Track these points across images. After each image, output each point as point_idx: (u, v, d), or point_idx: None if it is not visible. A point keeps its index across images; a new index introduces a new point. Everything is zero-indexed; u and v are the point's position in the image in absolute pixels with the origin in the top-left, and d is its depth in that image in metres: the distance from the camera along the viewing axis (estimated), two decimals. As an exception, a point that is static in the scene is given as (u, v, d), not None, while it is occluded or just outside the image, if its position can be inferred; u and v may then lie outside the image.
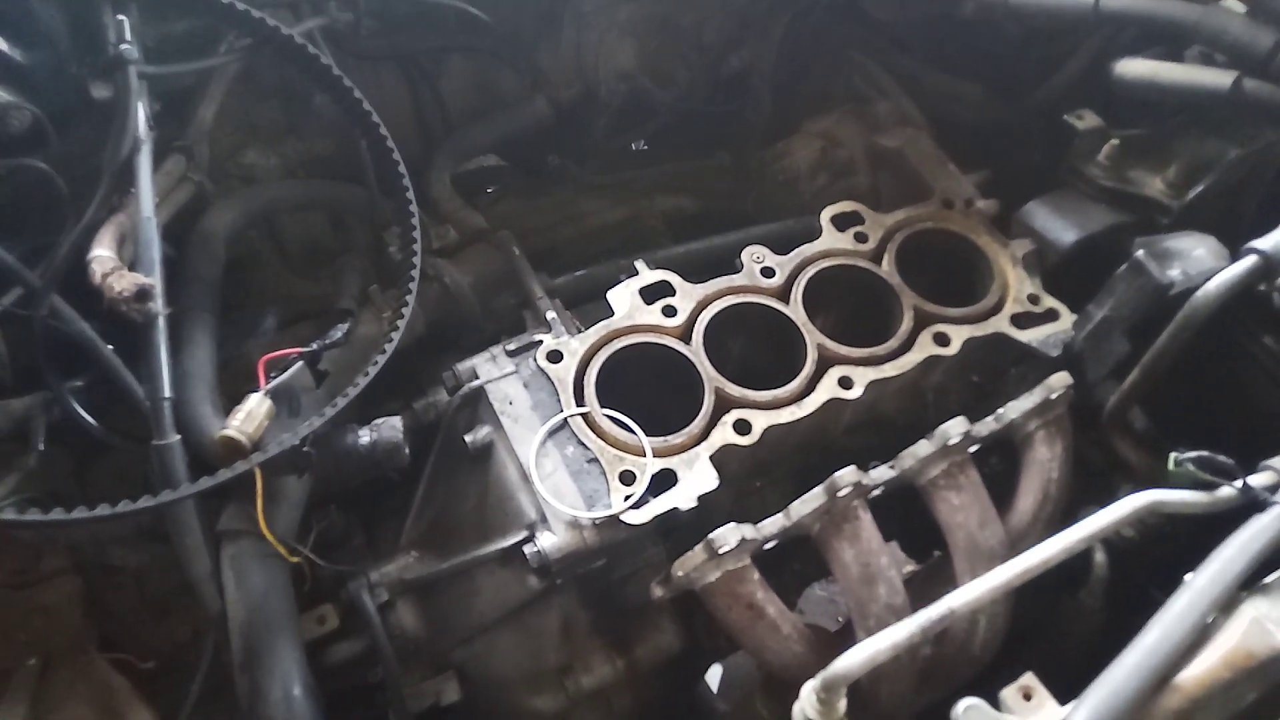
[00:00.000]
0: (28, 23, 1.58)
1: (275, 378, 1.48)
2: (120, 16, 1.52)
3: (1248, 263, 1.41)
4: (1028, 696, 1.06)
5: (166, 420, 1.35)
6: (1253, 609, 1.08)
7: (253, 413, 1.38)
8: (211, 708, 1.47)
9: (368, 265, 1.91)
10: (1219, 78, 1.64)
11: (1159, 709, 1.02)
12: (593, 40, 2.29)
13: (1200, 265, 1.58)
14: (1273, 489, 1.23)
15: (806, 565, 1.77)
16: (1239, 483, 1.26)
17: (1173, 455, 1.31)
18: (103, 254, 1.36)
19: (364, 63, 2.00)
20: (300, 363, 1.53)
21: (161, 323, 1.37)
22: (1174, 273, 1.57)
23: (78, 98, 1.62)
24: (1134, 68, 1.76)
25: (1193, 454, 1.30)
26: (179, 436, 1.35)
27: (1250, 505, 1.23)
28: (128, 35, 1.51)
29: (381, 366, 1.50)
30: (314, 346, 1.57)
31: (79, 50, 1.62)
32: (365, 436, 1.49)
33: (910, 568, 1.92)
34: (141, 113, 1.49)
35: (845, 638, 1.48)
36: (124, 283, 1.31)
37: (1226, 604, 1.09)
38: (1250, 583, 1.12)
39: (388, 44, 2.05)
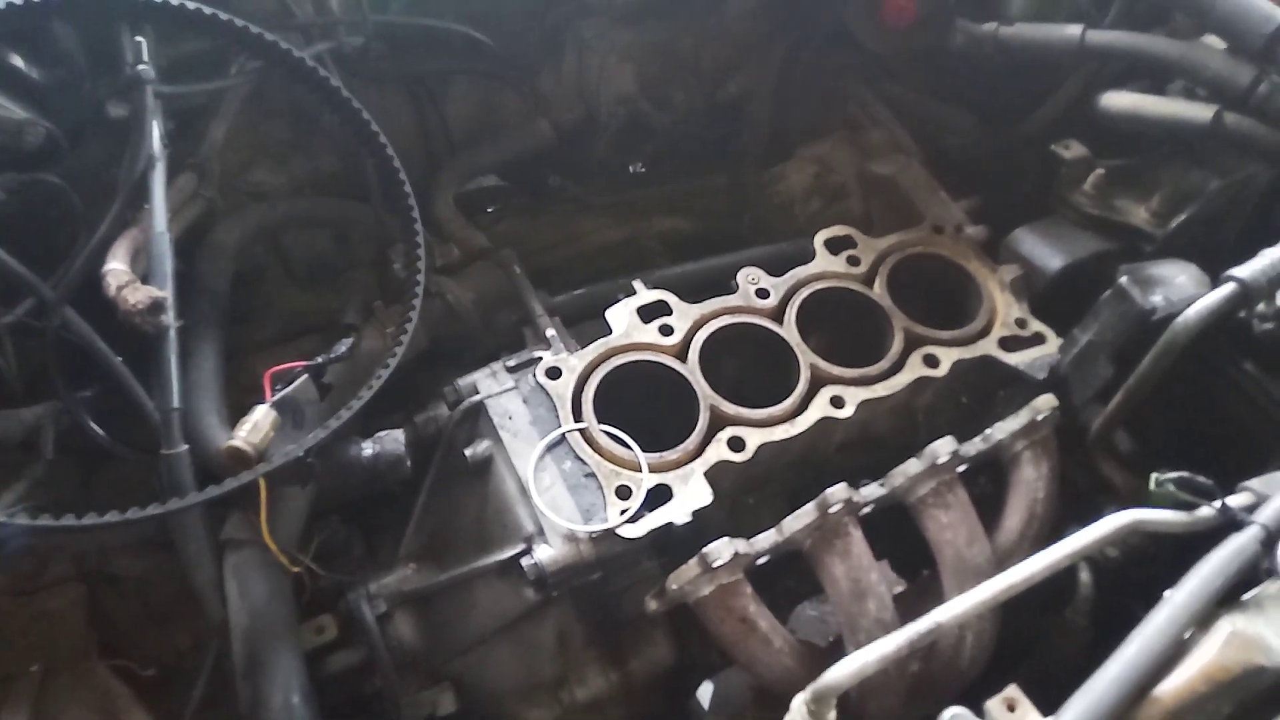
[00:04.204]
0: (44, 42, 1.62)
1: (281, 390, 1.52)
2: (138, 38, 1.56)
3: (1227, 290, 1.45)
4: (1011, 708, 1.09)
5: (176, 430, 1.38)
6: (1229, 625, 1.11)
7: (259, 424, 1.42)
8: (211, 715, 1.49)
9: (371, 281, 1.94)
10: (1200, 111, 1.70)
11: (1137, 720, 1.05)
12: (594, 64, 2.34)
13: (1182, 292, 1.62)
14: (1250, 509, 1.26)
15: (798, 582, 1.80)
16: (1218, 503, 1.29)
17: (1154, 476, 1.35)
18: (117, 267, 1.40)
19: (371, 85, 2.04)
20: (305, 376, 1.56)
21: (173, 335, 1.41)
22: (1156, 299, 1.61)
23: (91, 115, 1.67)
24: (1119, 100, 1.82)
25: (1173, 475, 1.33)
26: (187, 446, 1.38)
27: (1228, 524, 1.26)
28: (145, 56, 1.55)
29: (385, 380, 1.53)
30: (319, 360, 1.60)
31: (94, 69, 1.66)
32: (368, 449, 1.52)
33: (900, 588, 1.95)
34: (156, 131, 1.53)
35: (835, 653, 1.50)
36: (138, 295, 1.34)
37: (1204, 620, 1.12)
38: (1227, 599, 1.15)
39: (394, 67, 2.10)
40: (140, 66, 1.55)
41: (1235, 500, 1.30)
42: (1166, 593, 1.15)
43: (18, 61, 1.59)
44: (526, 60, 2.30)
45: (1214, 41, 1.70)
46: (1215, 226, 1.81)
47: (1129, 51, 1.78)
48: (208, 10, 1.56)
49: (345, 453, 1.51)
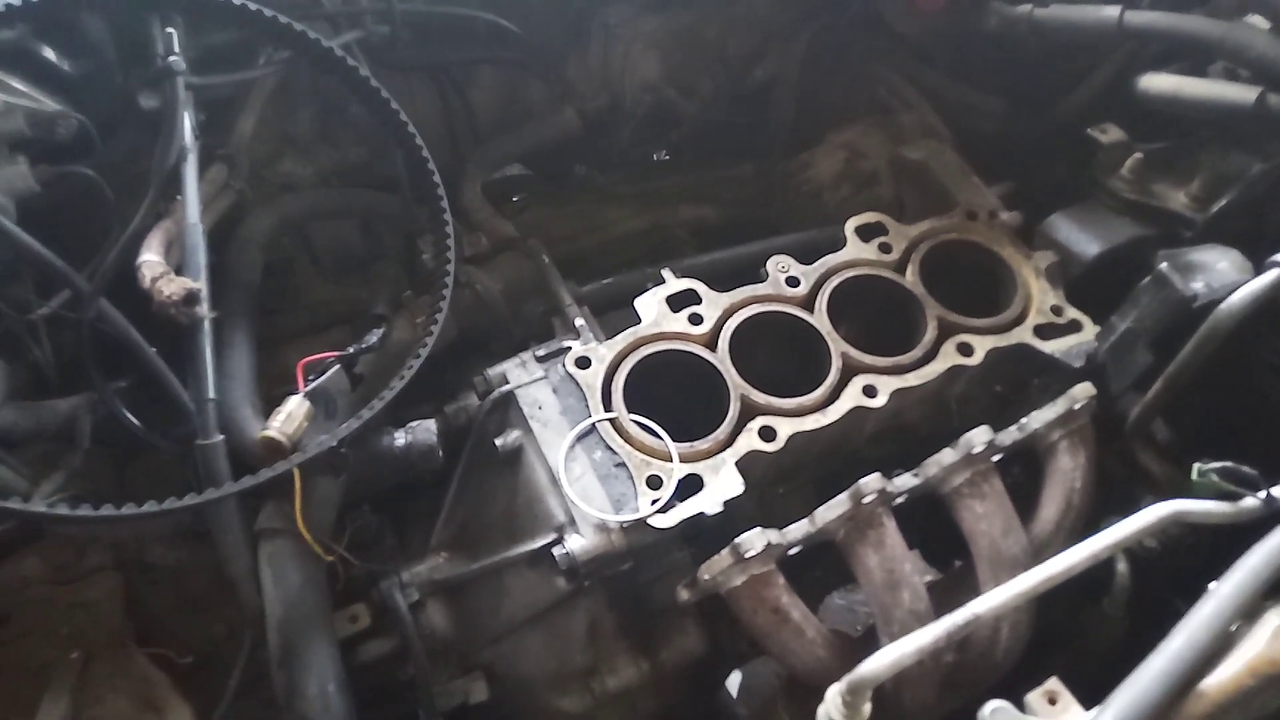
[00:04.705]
0: (75, 34, 1.63)
1: (313, 380, 1.52)
2: (169, 30, 1.56)
3: (1271, 276, 1.42)
4: (1053, 700, 1.07)
5: (211, 421, 1.39)
6: (1277, 617, 1.09)
7: (292, 414, 1.42)
8: (246, 702, 1.51)
9: (400, 272, 1.95)
10: (1243, 93, 1.66)
11: (1183, 714, 1.03)
12: (619, 52, 2.32)
13: (1224, 278, 1.59)
14: (1296, 500, 1.24)
15: (828, 572, 1.79)
16: (1262, 494, 1.27)
17: (1196, 466, 1.32)
18: (152, 259, 1.41)
19: (397, 74, 2.04)
20: (337, 366, 1.56)
21: (207, 326, 1.42)
22: (1198, 285, 1.58)
23: (123, 107, 1.67)
24: (1158, 83, 1.78)
25: (1216, 465, 1.31)
26: (222, 437, 1.39)
27: (1273, 516, 1.24)
28: (176, 48, 1.56)
29: (416, 370, 1.53)
30: (351, 350, 1.60)
31: (125, 61, 1.67)
32: (400, 438, 1.52)
33: (930, 577, 1.94)
34: (188, 122, 1.53)
35: (868, 643, 1.50)
36: (173, 287, 1.35)
37: (1250, 612, 1.10)
38: (1274, 592, 1.13)
39: (421, 56, 2.10)
40: (171, 58, 1.55)
41: (1281, 491, 1.27)
42: (1211, 585, 1.13)
43: (49, 54, 1.60)
44: (552, 48, 2.29)
45: (1257, 21, 1.66)
46: (1258, 211, 1.77)
47: (1169, 32, 1.74)
48: (237, 0, 1.56)
49: (378, 443, 1.51)
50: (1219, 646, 1.07)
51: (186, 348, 1.43)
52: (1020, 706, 1.10)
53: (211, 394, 1.40)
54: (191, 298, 1.37)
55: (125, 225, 1.53)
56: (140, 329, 1.51)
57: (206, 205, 1.62)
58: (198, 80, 1.61)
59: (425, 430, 1.53)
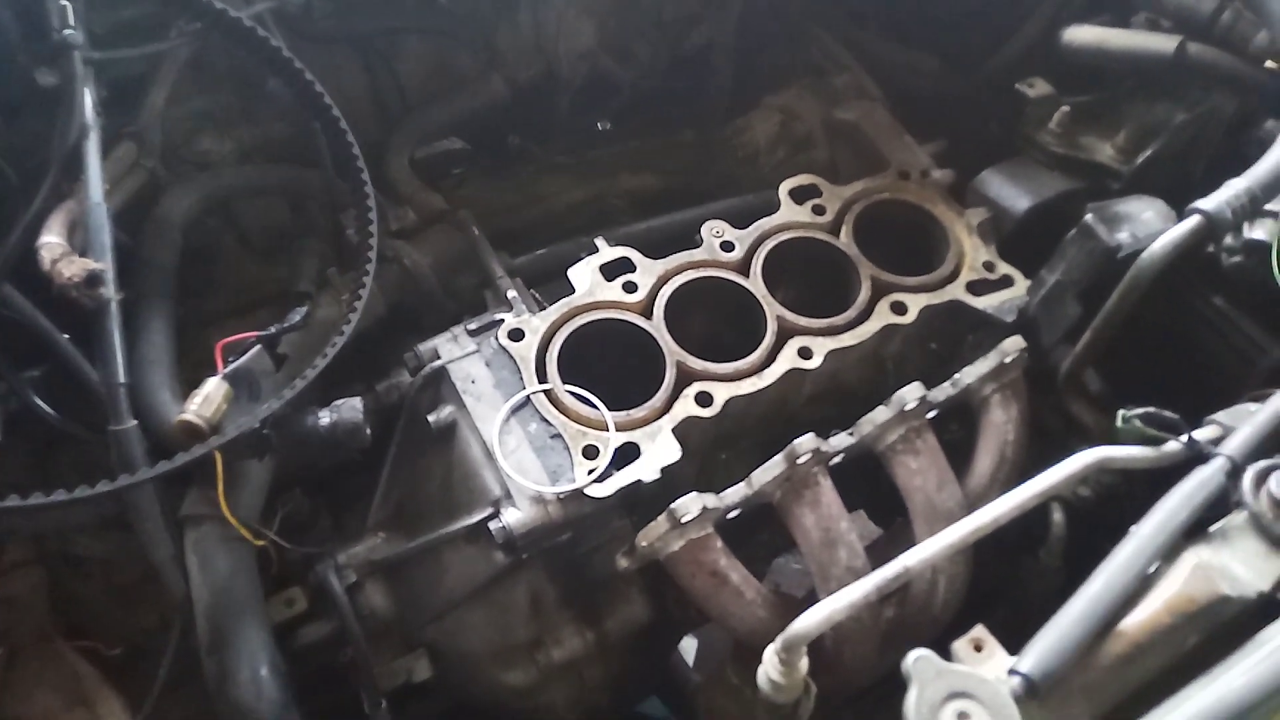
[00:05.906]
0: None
1: (233, 362, 1.48)
2: (64, 2, 1.49)
3: (1191, 223, 1.43)
4: (979, 648, 1.08)
5: (123, 405, 1.34)
6: (1194, 557, 1.11)
7: (210, 396, 1.38)
8: (180, 692, 1.48)
9: (326, 249, 1.90)
10: (1164, 42, 1.67)
11: (1103, 654, 1.05)
12: (551, 19, 2.28)
13: (1148, 228, 1.61)
14: (1215, 442, 1.26)
15: (773, 535, 1.79)
16: (1184, 437, 1.29)
17: (1120, 412, 1.34)
18: (51, 240, 1.35)
19: (318, 46, 1.97)
20: (258, 346, 1.52)
21: (114, 308, 1.36)
22: (1122, 235, 1.60)
23: (26, 88, 1.60)
24: (1082, 35, 1.79)
25: (1140, 410, 1.33)
26: (135, 422, 1.35)
27: (1195, 458, 1.26)
28: (71, 20, 1.49)
29: (340, 348, 1.49)
30: (272, 330, 1.56)
31: (28, 41, 1.60)
32: (325, 418, 1.49)
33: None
34: (88, 99, 1.47)
35: (809, 604, 1.50)
36: (73, 268, 1.30)
37: (1169, 553, 1.12)
38: (1193, 532, 1.14)
39: (341, 26, 2.03)
40: (67, 31, 1.48)
41: (1202, 433, 1.30)
42: (1132, 527, 1.15)
43: (-55, 37, 1.53)
44: (481, 16, 2.23)
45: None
46: (1183, 160, 1.79)
47: (1093, -17, 1.75)
48: (137, -30, 1.50)
49: (302, 423, 1.48)
50: (1138, 587, 1.09)
51: (95, 331, 1.38)
52: (948, 655, 1.11)
53: (123, 378, 1.35)
54: (94, 279, 1.31)
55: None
56: (57, 316, 1.46)
57: (115, 185, 1.56)
58: (98, 54, 1.54)
59: (351, 409, 1.49)
